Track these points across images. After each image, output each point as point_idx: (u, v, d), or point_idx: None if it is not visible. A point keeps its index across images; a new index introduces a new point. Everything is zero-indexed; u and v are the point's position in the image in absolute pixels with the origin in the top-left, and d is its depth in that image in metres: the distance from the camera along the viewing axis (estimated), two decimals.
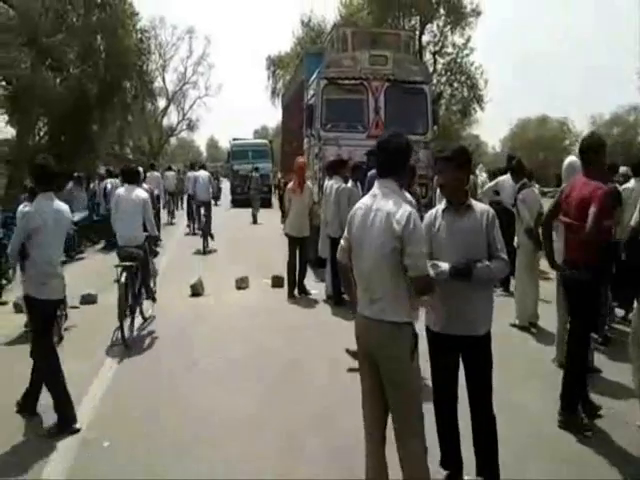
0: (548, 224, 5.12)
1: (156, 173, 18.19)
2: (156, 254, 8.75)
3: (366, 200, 3.28)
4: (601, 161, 4.68)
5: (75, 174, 14.79)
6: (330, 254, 8.77)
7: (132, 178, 7.65)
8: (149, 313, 7.83)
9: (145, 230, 7.40)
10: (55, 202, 4.82)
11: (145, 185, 10.21)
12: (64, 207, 4.93)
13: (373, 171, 8.80)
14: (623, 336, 6.50)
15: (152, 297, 7.90)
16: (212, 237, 14.07)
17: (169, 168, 24.16)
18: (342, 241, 3.45)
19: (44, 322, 4.81)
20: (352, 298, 3.45)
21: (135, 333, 7.14)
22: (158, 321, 7.71)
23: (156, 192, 14.65)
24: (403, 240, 3.00)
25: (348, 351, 5.97)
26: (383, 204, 3.13)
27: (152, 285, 7.95)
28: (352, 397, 5.06)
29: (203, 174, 15.53)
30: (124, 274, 6.79)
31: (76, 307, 8.17)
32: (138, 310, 7.41)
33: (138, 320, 7.44)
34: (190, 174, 17.92)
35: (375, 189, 3.25)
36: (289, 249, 9.24)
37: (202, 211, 14.79)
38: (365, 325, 3.22)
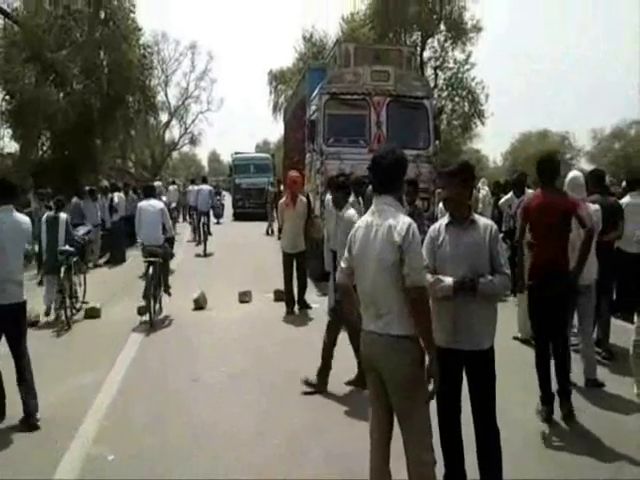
0: (520, 243, 5.26)
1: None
2: (172, 256, 9.83)
3: (366, 218, 3.31)
4: (557, 178, 5.29)
5: (87, 188, 14.92)
6: (332, 267, 8.77)
7: (150, 192, 9.67)
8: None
9: (163, 233, 8.94)
10: (14, 214, 5.21)
11: (164, 198, 12.09)
12: (24, 219, 5.33)
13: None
14: (624, 351, 6.53)
15: (168, 292, 9.16)
16: (210, 234, 16.48)
17: (173, 182, 24.39)
18: (342, 263, 3.44)
19: (12, 325, 5.05)
20: (356, 318, 3.40)
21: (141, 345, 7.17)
22: (162, 334, 7.74)
23: None
24: (402, 250, 3.04)
25: (306, 382, 5.75)
26: (383, 220, 3.17)
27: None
28: (350, 408, 5.12)
29: (205, 188, 17.28)
30: (150, 267, 8.32)
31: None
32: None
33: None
34: (191, 187, 19.11)
35: (374, 206, 3.28)
36: (284, 265, 9.15)
37: (203, 220, 16.66)
38: (371, 339, 3.22)
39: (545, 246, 4.90)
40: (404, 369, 3.11)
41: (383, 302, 3.14)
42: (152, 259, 8.42)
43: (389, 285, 3.10)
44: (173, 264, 10.87)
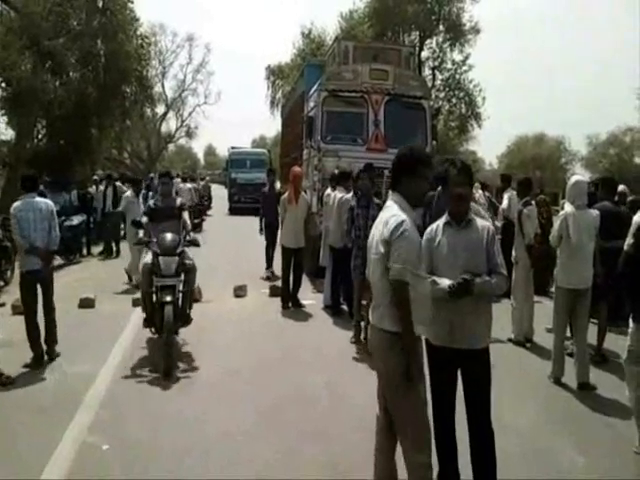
0: None
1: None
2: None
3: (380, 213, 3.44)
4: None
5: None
6: (331, 265, 8.75)
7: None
8: None
9: None
10: None
11: None
12: None
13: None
14: (616, 355, 6.58)
15: None
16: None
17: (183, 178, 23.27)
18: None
19: None
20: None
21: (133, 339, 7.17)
22: None
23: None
24: (390, 244, 3.11)
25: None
26: (384, 214, 3.28)
27: None
28: (346, 408, 5.14)
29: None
30: None
31: None
32: None
33: None
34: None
35: (387, 201, 3.39)
36: (283, 260, 9.14)
37: None
38: (371, 330, 3.37)
39: None
40: (394, 368, 3.15)
41: (377, 292, 3.26)
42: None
43: (380, 277, 3.19)
44: None
